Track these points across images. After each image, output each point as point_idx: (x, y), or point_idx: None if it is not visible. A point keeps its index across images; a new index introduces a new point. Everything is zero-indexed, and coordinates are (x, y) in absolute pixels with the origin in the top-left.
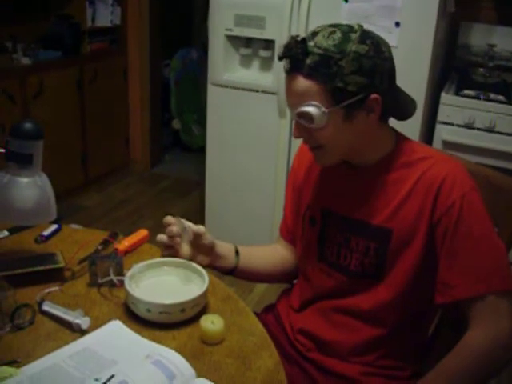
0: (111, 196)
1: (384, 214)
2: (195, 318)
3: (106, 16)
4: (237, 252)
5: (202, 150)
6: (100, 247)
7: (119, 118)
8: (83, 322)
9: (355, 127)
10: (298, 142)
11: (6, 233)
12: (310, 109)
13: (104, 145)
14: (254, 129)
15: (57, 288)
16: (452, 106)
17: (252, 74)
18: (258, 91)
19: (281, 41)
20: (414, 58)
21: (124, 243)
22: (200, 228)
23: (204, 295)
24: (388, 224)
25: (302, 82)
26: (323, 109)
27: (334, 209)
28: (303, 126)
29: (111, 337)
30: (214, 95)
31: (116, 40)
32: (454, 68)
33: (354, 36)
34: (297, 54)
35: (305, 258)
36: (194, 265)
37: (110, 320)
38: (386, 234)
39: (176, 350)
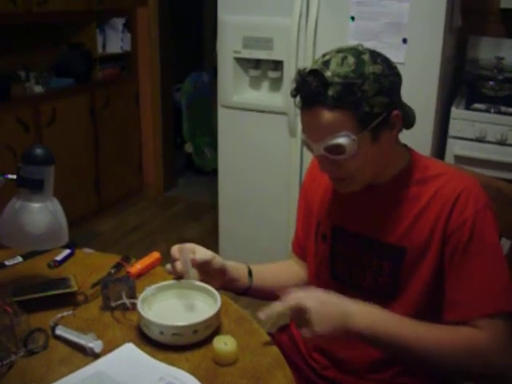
0: (125, 221)
1: (397, 233)
2: (208, 340)
3: (116, 43)
4: (250, 273)
5: (214, 173)
6: (113, 271)
7: (132, 143)
8: (96, 345)
9: (381, 148)
10: (309, 160)
11: (19, 259)
12: (341, 140)
13: (117, 170)
14: (265, 149)
15: (70, 312)
16: (463, 120)
17: (261, 95)
18: (267, 112)
19: (289, 61)
20: (423, 74)
21: (136, 266)
22: (206, 255)
23: (216, 316)
24: (401, 243)
25: (328, 115)
26: (353, 136)
27: (345, 226)
28: (330, 158)
29: (124, 360)
30: (224, 117)
31: (127, 66)
32: (463, 82)
33: (366, 57)
34: (317, 87)
35: (318, 275)
36: (207, 286)
37: (123, 343)
38: (400, 252)
39: (189, 372)
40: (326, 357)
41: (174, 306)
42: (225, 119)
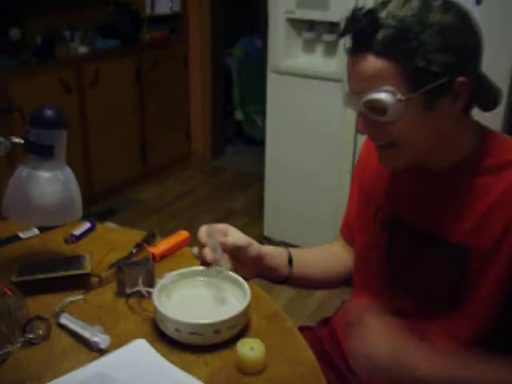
0: (170, 189)
1: (462, 230)
2: (233, 341)
3: (165, 3)
4: (290, 261)
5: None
6: (134, 250)
7: (179, 109)
8: (102, 340)
9: (436, 119)
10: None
11: (36, 231)
12: (383, 96)
13: (164, 136)
14: (317, 119)
15: (80, 297)
16: None
17: (315, 60)
18: (321, 78)
19: None
20: (498, 41)
21: (160, 247)
22: (241, 240)
23: (244, 314)
24: (467, 242)
25: (373, 62)
26: (399, 96)
27: (404, 215)
28: (371, 119)
29: (133, 360)
30: (274, 83)
31: (176, 28)
32: None
33: (435, 4)
34: (364, 28)
35: (367, 263)
36: (236, 276)
37: (134, 338)
38: (464, 254)
39: (208, 379)
40: None
41: (197, 297)
42: (274, 85)
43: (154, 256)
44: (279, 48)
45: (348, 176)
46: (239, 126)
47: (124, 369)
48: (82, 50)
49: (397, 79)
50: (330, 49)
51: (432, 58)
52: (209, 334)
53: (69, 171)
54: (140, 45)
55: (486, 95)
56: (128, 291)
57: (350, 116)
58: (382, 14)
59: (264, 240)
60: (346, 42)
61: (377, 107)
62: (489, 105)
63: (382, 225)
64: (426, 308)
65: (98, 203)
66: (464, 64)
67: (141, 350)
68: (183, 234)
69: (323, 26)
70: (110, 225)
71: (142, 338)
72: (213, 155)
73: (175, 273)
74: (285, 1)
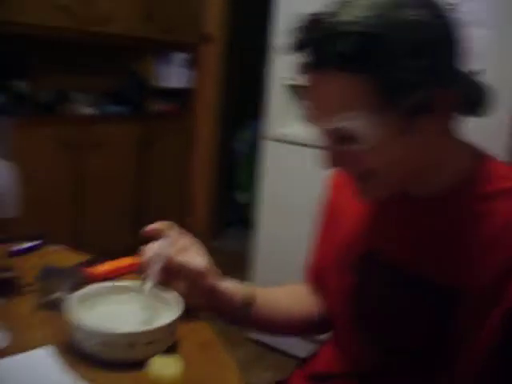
0: None
1: (452, 269)
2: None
3: (176, 77)
4: (248, 302)
5: None
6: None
7: (179, 186)
8: (2, 336)
9: (420, 139)
10: None
11: None
12: (351, 123)
13: (160, 208)
14: (314, 192)
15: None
16: None
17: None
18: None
19: None
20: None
21: (101, 267)
22: (196, 267)
23: (165, 330)
24: (458, 282)
25: (334, 81)
26: (372, 118)
27: (379, 254)
28: (341, 149)
29: (27, 369)
30: (269, 151)
31: (184, 104)
32: None
33: None
34: (322, 39)
35: (336, 316)
36: (169, 296)
37: (43, 346)
38: (454, 296)
39: None
40: None
41: (122, 312)
42: (269, 154)
43: (91, 276)
44: (276, 113)
45: None
46: (241, 212)
47: (16, 377)
48: (85, 111)
49: (366, 98)
50: None
51: (408, 65)
52: (121, 347)
53: (2, 166)
54: (146, 115)
55: (473, 103)
56: (50, 298)
57: None
58: (342, 18)
59: None
60: (299, 57)
61: (345, 136)
62: (474, 106)
63: (353, 267)
64: (398, 367)
65: None
66: (442, 70)
67: (41, 358)
68: (132, 260)
69: None
70: (54, 247)
71: (52, 345)
72: (212, 236)
73: (103, 284)
74: (285, 66)
